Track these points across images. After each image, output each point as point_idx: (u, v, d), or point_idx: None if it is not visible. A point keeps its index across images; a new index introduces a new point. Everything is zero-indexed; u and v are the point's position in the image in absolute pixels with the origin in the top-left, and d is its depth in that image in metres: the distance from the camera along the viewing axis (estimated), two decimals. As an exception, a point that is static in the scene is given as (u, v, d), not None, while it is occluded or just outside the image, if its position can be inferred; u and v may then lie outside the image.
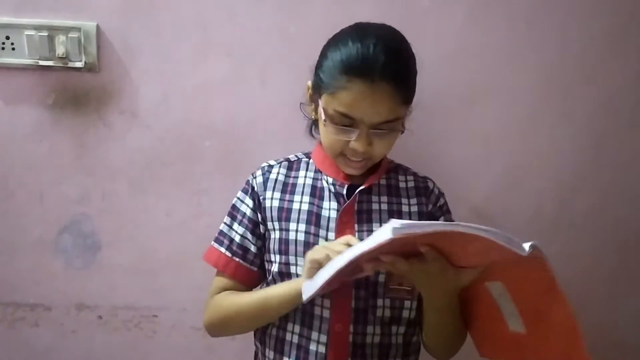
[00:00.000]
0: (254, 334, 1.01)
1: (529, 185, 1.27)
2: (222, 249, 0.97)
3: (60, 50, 1.12)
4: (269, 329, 0.96)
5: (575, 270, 1.32)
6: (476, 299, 0.86)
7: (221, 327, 0.98)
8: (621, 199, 1.30)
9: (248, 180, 1.00)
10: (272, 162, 1.01)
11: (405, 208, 0.96)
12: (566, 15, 1.21)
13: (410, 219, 0.95)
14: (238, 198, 0.99)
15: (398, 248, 0.74)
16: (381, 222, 0.92)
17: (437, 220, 0.97)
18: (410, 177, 1.00)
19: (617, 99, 1.25)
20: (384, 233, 0.66)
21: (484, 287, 0.82)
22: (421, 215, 0.96)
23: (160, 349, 1.28)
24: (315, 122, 0.99)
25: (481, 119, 1.23)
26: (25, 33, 1.10)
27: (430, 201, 0.98)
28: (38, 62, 1.12)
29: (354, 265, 0.76)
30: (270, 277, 0.95)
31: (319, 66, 0.90)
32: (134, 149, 1.19)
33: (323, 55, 0.90)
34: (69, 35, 1.11)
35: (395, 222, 0.65)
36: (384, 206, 0.95)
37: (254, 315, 0.93)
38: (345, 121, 0.86)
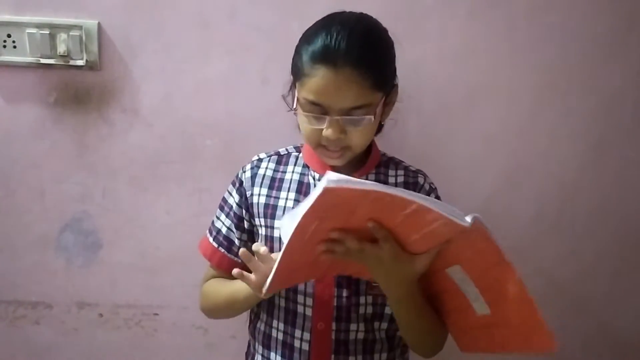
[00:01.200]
0: (248, 326, 1.04)
1: (530, 186, 1.27)
2: (210, 239, 1.00)
3: (61, 49, 1.12)
4: (258, 323, 0.99)
5: (576, 270, 1.32)
6: (443, 291, 0.87)
7: (210, 313, 1.02)
8: (622, 198, 1.30)
9: (237, 174, 1.00)
10: (262, 156, 1.01)
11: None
12: (567, 15, 1.20)
13: None
14: (227, 190, 1.01)
15: (344, 223, 0.74)
16: None
17: None
18: (400, 172, 0.98)
19: (618, 99, 1.25)
20: (319, 187, 0.65)
21: (445, 275, 0.83)
22: None
23: (161, 347, 1.28)
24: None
25: (482, 119, 1.23)
26: (27, 31, 1.10)
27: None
28: (39, 61, 1.12)
29: (308, 247, 0.75)
30: None
31: (293, 56, 0.90)
32: (135, 147, 1.19)
33: (297, 45, 0.90)
34: (71, 33, 1.11)
35: (331, 175, 0.65)
36: None
37: (228, 307, 0.96)
38: (315, 109, 0.85)
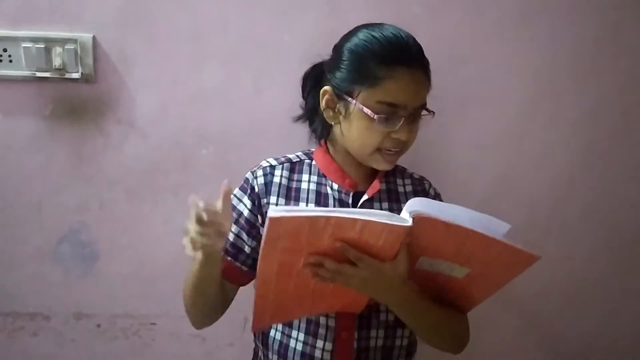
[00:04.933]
0: (255, 335, 1.02)
1: (521, 190, 1.28)
2: None
3: (57, 62, 1.13)
4: (273, 332, 0.96)
5: (568, 273, 1.33)
6: (429, 286, 0.89)
7: (188, 308, 0.96)
8: (614, 201, 1.31)
9: (247, 179, 0.97)
10: (272, 162, 0.98)
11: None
12: (556, 19, 1.22)
13: None
14: (235, 196, 0.97)
15: (320, 250, 0.78)
16: None
17: None
18: (407, 181, 1.01)
19: (608, 102, 1.26)
20: (268, 219, 0.72)
21: (419, 270, 0.87)
22: None
23: (159, 357, 1.29)
24: (325, 125, 0.97)
25: (473, 126, 1.25)
26: (23, 45, 1.12)
27: None
28: (35, 74, 1.13)
29: (295, 280, 0.79)
30: None
31: (341, 67, 0.91)
32: (131, 158, 1.20)
33: (345, 54, 0.91)
34: (66, 46, 1.13)
35: (273, 207, 0.72)
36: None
37: (194, 289, 0.91)
38: (387, 111, 0.87)
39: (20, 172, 1.19)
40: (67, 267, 1.23)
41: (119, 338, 1.27)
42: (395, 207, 0.96)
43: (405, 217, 0.75)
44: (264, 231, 0.74)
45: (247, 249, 0.95)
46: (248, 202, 0.96)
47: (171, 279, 1.24)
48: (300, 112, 1.04)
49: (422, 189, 1.01)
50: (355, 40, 0.91)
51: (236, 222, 0.95)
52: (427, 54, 0.91)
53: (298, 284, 0.81)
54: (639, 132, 1.29)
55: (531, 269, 1.28)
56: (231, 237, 0.95)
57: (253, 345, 1.05)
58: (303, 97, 1.03)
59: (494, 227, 0.81)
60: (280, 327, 0.95)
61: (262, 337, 0.99)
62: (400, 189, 0.99)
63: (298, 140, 1.06)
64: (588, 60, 1.24)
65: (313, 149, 1.02)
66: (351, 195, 0.94)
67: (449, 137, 1.24)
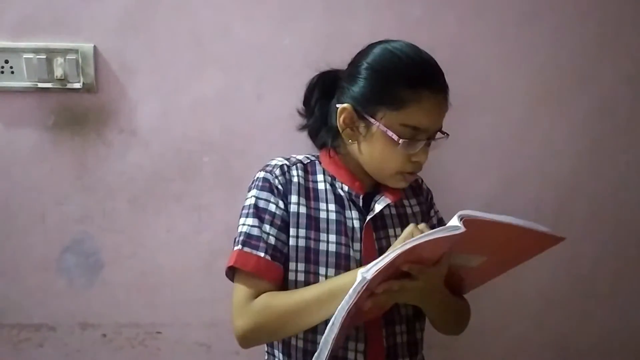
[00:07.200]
0: (269, 344, 0.98)
1: (527, 190, 1.28)
2: (261, 253, 0.89)
3: (58, 72, 1.13)
4: (293, 340, 0.92)
5: (576, 274, 1.32)
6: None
7: (269, 330, 0.89)
8: (620, 200, 1.30)
9: (267, 179, 0.94)
10: (286, 162, 0.96)
11: (409, 210, 0.99)
12: (557, 19, 1.22)
13: (415, 220, 0.98)
14: (260, 198, 0.93)
15: (383, 278, 0.80)
16: (394, 226, 0.95)
17: (429, 213, 1.04)
18: None
19: (611, 101, 1.26)
20: (359, 282, 0.74)
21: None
22: (423, 215, 1.01)
23: (165, 366, 1.28)
24: (334, 138, 0.97)
25: (476, 126, 1.24)
26: (24, 56, 1.12)
27: (424, 198, 1.04)
28: (37, 85, 1.14)
29: (353, 312, 0.79)
30: (287, 286, 0.91)
31: (361, 85, 0.89)
32: (133, 167, 1.20)
33: (365, 72, 0.89)
34: (67, 57, 1.13)
35: (362, 270, 0.75)
36: (393, 210, 0.97)
37: (314, 310, 0.84)
38: (410, 134, 0.87)
39: (23, 183, 1.19)
40: (71, 277, 1.23)
41: (124, 348, 1.27)
42: (399, 204, 0.98)
43: (456, 224, 0.75)
44: (353, 295, 0.74)
45: (285, 250, 0.91)
46: (279, 202, 0.92)
47: (176, 287, 1.24)
48: (297, 117, 1.03)
49: (417, 185, 1.05)
50: (375, 57, 0.90)
51: (272, 223, 0.91)
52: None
53: (353, 316, 0.81)
54: (643, 130, 1.28)
55: (539, 269, 1.29)
56: (272, 240, 0.90)
57: (258, 353, 1.03)
58: (304, 104, 1.02)
59: (534, 227, 0.83)
60: (301, 334, 0.91)
61: (281, 346, 0.94)
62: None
63: (300, 145, 1.06)
64: (591, 60, 1.24)
65: (316, 154, 1.02)
66: (361, 197, 0.94)
67: (453, 139, 1.23)
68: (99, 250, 1.23)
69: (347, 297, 0.74)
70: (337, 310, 0.75)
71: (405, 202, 1.00)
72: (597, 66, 1.24)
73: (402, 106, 0.86)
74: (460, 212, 0.76)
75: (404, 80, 0.86)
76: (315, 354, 0.78)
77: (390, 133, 0.86)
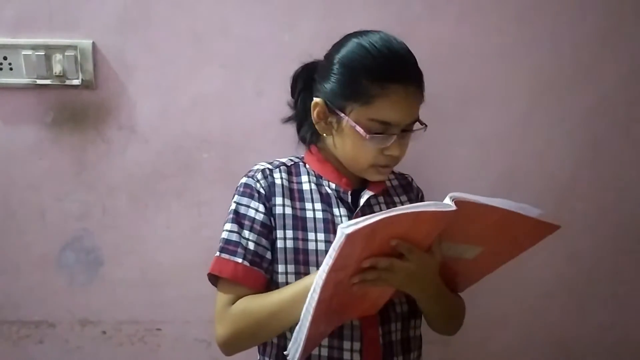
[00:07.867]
0: (263, 351, 0.96)
1: (527, 187, 1.27)
2: (239, 259, 0.89)
3: (57, 69, 1.13)
4: (286, 342, 0.89)
5: (576, 271, 1.32)
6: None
7: (249, 335, 0.89)
8: (620, 197, 1.30)
9: (249, 184, 0.94)
10: (268, 166, 0.96)
11: (399, 205, 0.97)
12: (557, 15, 1.21)
13: None
14: (240, 204, 0.92)
15: (370, 253, 0.77)
16: None
17: None
18: (392, 176, 1.02)
19: (612, 98, 1.26)
20: (338, 237, 0.69)
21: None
22: None
23: (165, 362, 1.28)
24: (314, 132, 0.95)
25: (476, 122, 1.24)
26: (23, 53, 1.12)
27: (414, 195, 1.02)
28: (36, 82, 1.14)
29: (341, 289, 0.77)
30: (275, 288, 0.90)
31: (332, 80, 0.88)
32: (133, 163, 1.20)
33: (335, 66, 0.88)
34: (66, 53, 1.13)
35: (343, 225, 0.68)
36: (383, 207, 0.96)
37: (291, 310, 0.83)
38: (380, 128, 0.86)
39: (22, 180, 1.19)
40: (71, 274, 1.23)
41: (124, 344, 1.27)
42: (389, 201, 0.97)
43: (448, 203, 0.74)
44: (333, 254, 0.70)
45: (268, 255, 0.91)
46: (260, 207, 0.92)
47: (176, 284, 1.25)
48: (289, 110, 1.03)
49: (407, 182, 1.04)
50: (345, 52, 0.88)
51: (251, 229, 0.91)
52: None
53: (339, 301, 0.79)
54: (643, 126, 1.28)
55: (539, 265, 1.29)
56: (251, 245, 0.90)
57: (254, 350, 1.02)
58: (292, 96, 1.02)
59: (527, 210, 0.81)
60: (288, 334, 0.90)
61: (277, 351, 0.92)
62: (388, 183, 1.01)
63: (299, 142, 1.06)
64: (590, 56, 1.24)
65: (301, 155, 1.01)
66: (349, 193, 0.94)
67: (452, 135, 1.24)
68: (99, 247, 1.23)
69: (327, 257, 0.71)
70: (317, 275, 0.73)
71: (396, 198, 0.99)
72: (597, 61, 1.24)
73: (369, 101, 0.84)
74: (452, 194, 0.75)
75: (370, 75, 0.84)
76: (297, 325, 0.76)
77: (358, 128, 0.86)
